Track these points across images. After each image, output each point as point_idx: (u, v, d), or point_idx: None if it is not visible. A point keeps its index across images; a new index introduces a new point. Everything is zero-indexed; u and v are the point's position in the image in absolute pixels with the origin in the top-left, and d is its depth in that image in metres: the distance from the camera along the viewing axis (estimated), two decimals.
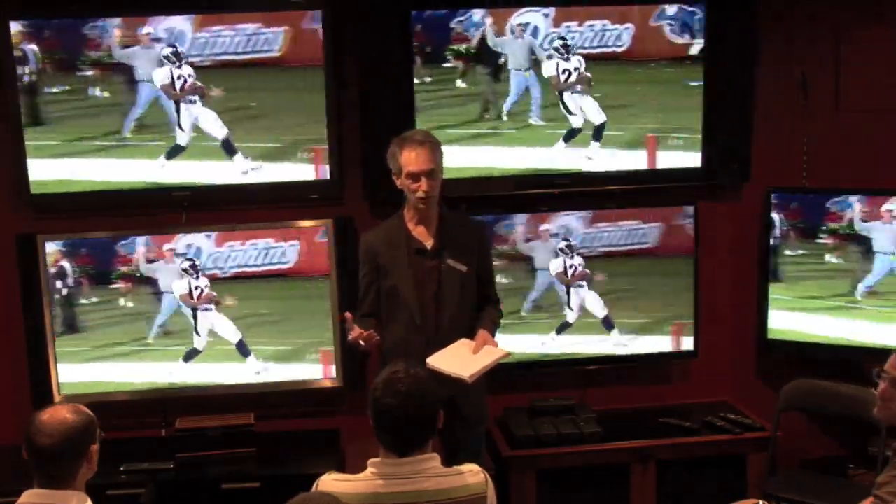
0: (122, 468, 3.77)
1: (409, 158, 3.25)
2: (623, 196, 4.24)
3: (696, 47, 4.15)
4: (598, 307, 4.27)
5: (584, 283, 4.24)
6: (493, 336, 3.42)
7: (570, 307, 4.25)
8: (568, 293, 4.25)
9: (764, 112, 4.27)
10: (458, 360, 3.21)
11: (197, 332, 4.06)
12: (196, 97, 3.97)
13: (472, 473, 2.42)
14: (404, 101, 4.03)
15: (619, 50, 4.13)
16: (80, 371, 4.03)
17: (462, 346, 3.29)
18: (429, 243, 3.37)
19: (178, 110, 3.98)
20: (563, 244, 4.21)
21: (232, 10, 3.92)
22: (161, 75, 3.94)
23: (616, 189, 4.23)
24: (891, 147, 4.36)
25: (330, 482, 2.38)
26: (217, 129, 4.01)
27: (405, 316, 3.35)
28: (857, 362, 4.24)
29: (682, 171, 4.23)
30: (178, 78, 3.95)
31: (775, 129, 4.33)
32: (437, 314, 3.35)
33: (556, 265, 4.22)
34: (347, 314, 3.25)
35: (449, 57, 4.05)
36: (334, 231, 4.06)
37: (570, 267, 4.22)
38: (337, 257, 4.06)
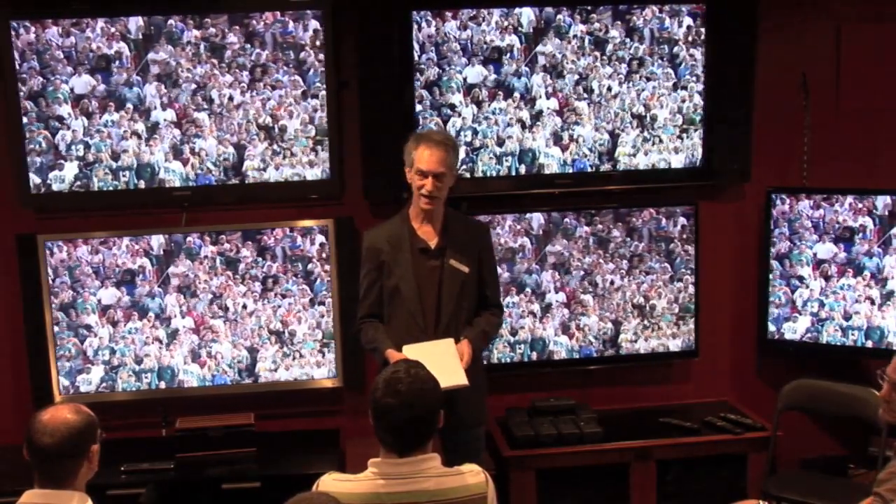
0: (122, 468, 3.77)
1: (423, 156, 3.25)
2: (623, 196, 4.24)
3: None
4: None
5: None
6: (483, 347, 3.48)
7: None
8: None
9: (764, 112, 4.27)
10: (428, 362, 3.17)
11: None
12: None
13: (472, 473, 2.42)
14: (404, 102, 4.03)
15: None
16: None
17: (444, 349, 3.23)
18: (432, 243, 3.37)
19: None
20: None
21: (233, 10, 3.92)
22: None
23: (616, 189, 4.23)
24: (891, 147, 4.36)
25: (330, 482, 2.38)
26: None
27: (406, 315, 3.34)
28: (856, 362, 4.25)
29: (683, 171, 4.24)
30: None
31: (775, 129, 4.33)
32: (438, 314, 3.35)
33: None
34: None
35: None
36: (334, 231, 4.07)
37: None
38: (337, 257, 4.06)
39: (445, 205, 3.41)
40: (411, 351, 3.14)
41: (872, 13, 4.29)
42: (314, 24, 3.93)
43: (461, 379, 3.14)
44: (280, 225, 4.06)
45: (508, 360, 4.21)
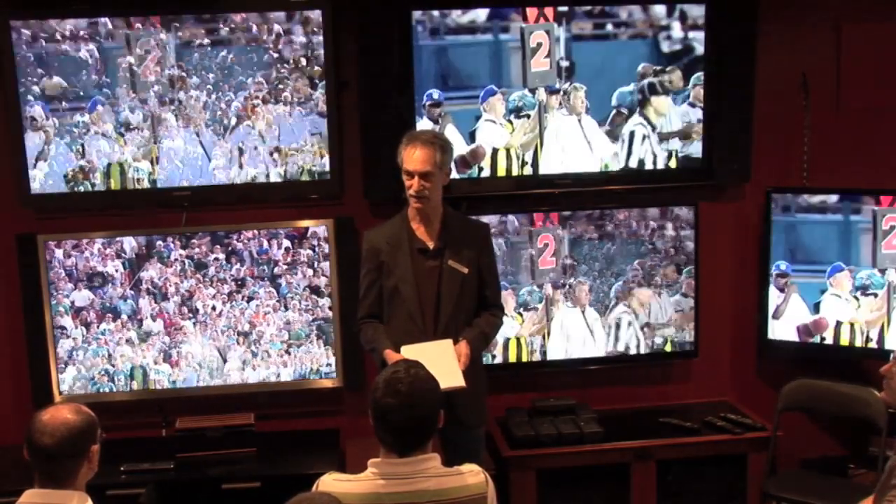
0: (122, 468, 3.77)
1: (408, 156, 3.26)
2: (623, 196, 4.24)
3: None
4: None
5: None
6: (482, 348, 3.47)
7: None
8: None
9: (764, 112, 4.27)
10: (426, 363, 3.16)
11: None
12: None
13: (472, 473, 2.42)
14: (404, 102, 4.03)
15: None
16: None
17: (442, 350, 3.22)
18: (431, 243, 3.37)
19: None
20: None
21: (233, 9, 3.92)
22: None
23: (616, 189, 4.23)
24: (891, 147, 4.36)
25: (330, 482, 2.38)
26: None
27: (405, 315, 3.34)
28: (856, 362, 4.25)
29: (683, 171, 4.24)
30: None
31: (775, 129, 4.33)
32: (437, 314, 3.35)
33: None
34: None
35: None
36: (334, 231, 4.07)
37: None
38: (337, 257, 4.06)
39: (445, 205, 3.41)
40: (409, 351, 3.13)
41: (872, 13, 4.29)
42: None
43: (458, 380, 3.14)
44: (280, 225, 4.06)
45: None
